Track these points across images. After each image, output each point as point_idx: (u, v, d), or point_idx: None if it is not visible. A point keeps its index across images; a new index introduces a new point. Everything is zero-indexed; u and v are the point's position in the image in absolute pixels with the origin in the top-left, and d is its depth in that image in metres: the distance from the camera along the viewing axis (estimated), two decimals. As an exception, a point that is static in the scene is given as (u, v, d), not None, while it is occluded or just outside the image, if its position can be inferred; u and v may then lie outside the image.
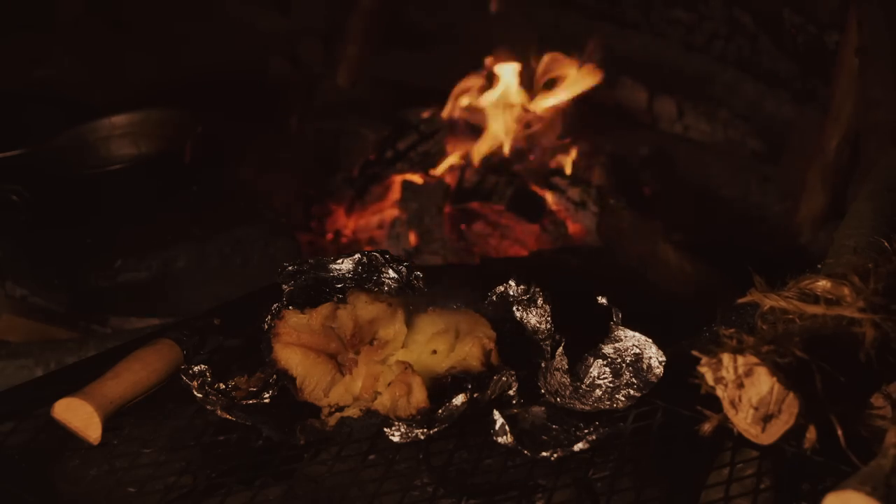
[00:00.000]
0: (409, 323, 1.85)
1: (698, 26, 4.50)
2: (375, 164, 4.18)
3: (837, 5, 4.00)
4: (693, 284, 3.72)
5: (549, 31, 4.61)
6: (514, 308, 1.93)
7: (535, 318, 1.92)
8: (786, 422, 1.58)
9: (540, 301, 1.92)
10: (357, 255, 2.02)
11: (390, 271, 2.01)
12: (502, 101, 4.05)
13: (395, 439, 1.74)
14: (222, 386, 1.82)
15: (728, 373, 1.60)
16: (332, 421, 1.78)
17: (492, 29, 4.38)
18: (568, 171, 4.06)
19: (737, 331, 1.64)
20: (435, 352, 1.82)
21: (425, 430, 1.73)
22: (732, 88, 4.46)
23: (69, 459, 1.79)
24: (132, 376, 1.85)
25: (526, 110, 4.05)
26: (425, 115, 4.17)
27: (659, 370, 1.82)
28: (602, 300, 1.89)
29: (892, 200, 2.40)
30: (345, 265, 2.02)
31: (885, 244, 1.89)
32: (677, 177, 4.37)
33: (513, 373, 1.80)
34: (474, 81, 4.11)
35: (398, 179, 4.11)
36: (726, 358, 1.60)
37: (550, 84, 4.11)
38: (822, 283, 1.75)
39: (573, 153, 4.10)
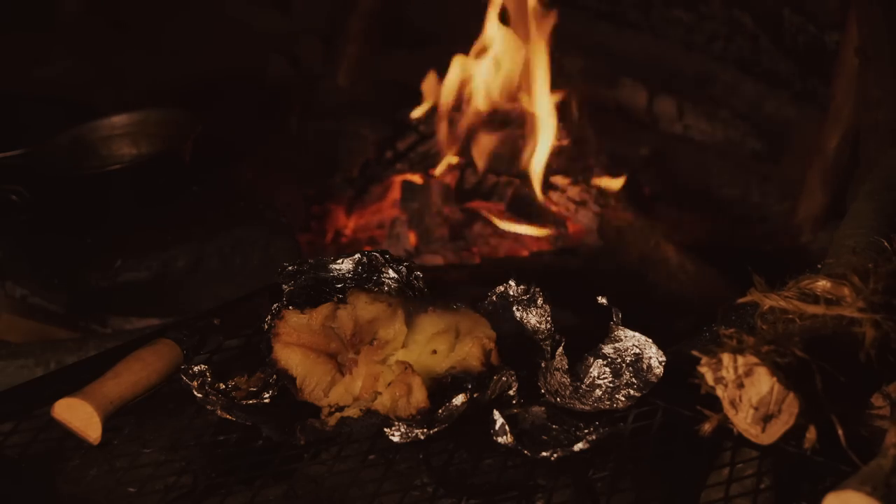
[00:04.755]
0: (409, 323, 1.85)
1: (698, 26, 4.49)
2: (375, 165, 4.18)
3: (837, 5, 4.00)
4: (693, 284, 3.72)
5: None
6: (514, 308, 1.93)
7: (535, 318, 1.92)
8: (786, 422, 1.58)
9: (540, 301, 1.92)
10: (357, 255, 2.02)
11: (390, 271, 2.01)
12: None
13: (395, 439, 1.74)
14: (222, 386, 1.83)
15: (728, 373, 1.60)
16: (332, 421, 1.78)
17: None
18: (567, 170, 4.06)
19: (737, 331, 1.64)
20: (435, 352, 1.82)
21: (425, 430, 1.73)
22: (732, 88, 4.45)
23: (69, 459, 1.79)
24: (132, 376, 1.85)
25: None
26: (425, 115, 4.18)
27: (659, 370, 1.82)
28: (602, 300, 1.89)
29: (892, 200, 2.40)
30: (345, 265, 2.02)
31: (885, 244, 1.89)
32: (677, 177, 4.37)
33: (513, 373, 1.80)
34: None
35: (398, 179, 4.11)
36: (726, 358, 1.60)
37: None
38: (822, 283, 1.75)
39: (573, 153, 4.10)
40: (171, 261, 3.41)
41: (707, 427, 1.63)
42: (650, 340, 1.84)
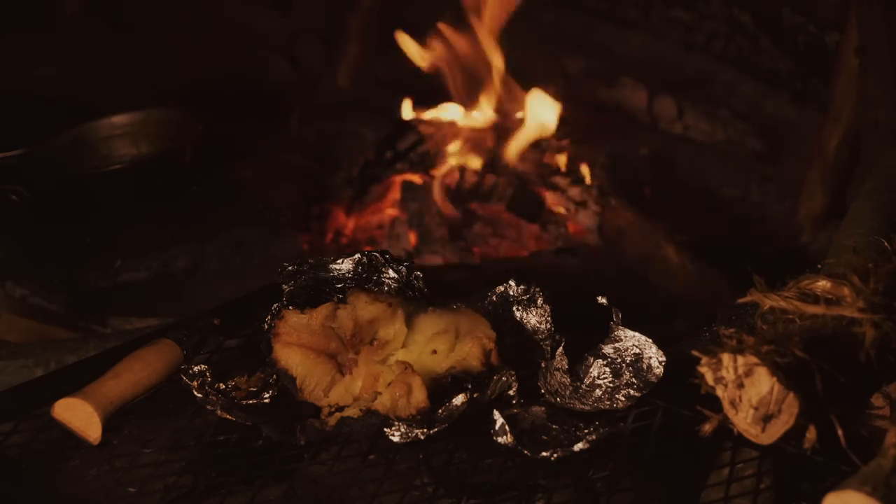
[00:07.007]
0: (409, 323, 1.85)
1: (698, 26, 4.49)
2: (375, 164, 4.18)
3: (837, 5, 4.00)
4: (693, 284, 3.72)
5: (550, 31, 4.61)
6: (514, 308, 1.93)
7: (535, 318, 1.92)
8: (786, 422, 1.58)
9: (540, 301, 1.92)
10: (357, 255, 2.02)
11: (390, 271, 2.01)
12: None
13: (395, 439, 1.74)
14: (222, 386, 1.83)
15: (728, 373, 1.60)
16: (332, 421, 1.78)
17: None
18: (567, 170, 4.06)
19: (737, 331, 1.64)
20: (435, 352, 1.82)
21: (425, 430, 1.73)
22: (732, 88, 4.45)
23: (69, 459, 1.79)
24: (132, 376, 1.85)
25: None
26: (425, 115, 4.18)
27: (659, 370, 1.82)
28: (602, 300, 1.89)
29: (892, 200, 2.41)
30: (345, 265, 2.02)
31: (885, 244, 1.89)
32: (677, 177, 4.37)
33: (513, 373, 1.80)
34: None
35: (398, 179, 4.11)
36: (726, 358, 1.60)
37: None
38: (822, 283, 1.75)
39: (573, 153, 4.10)
40: (171, 261, 3.42)
41: (707, 427, 1.63)
42: (650, 340, 1.84)
